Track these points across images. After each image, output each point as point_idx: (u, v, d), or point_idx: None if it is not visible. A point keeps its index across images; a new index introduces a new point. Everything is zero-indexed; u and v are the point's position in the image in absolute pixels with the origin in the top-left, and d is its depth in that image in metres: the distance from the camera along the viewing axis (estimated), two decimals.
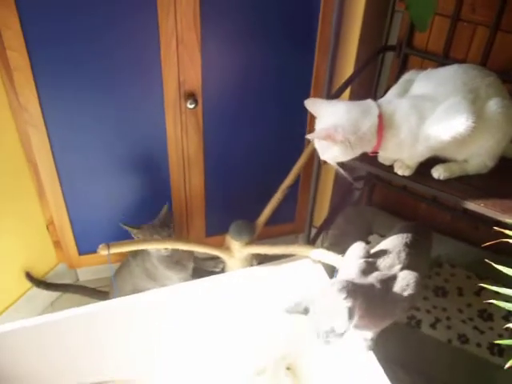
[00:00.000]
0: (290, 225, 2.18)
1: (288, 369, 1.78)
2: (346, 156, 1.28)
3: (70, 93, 1.63)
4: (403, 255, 1.38)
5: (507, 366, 0.92)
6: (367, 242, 1.96)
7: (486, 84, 1.31)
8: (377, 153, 1.34)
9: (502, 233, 1.02)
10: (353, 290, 1.18)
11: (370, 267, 1.31)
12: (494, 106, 1.30)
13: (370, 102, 1.29)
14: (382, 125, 1.26)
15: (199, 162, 1.88)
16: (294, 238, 2.28)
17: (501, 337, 1.69)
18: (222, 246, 1.77)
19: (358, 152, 1.29)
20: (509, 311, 1.75)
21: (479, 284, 1.80)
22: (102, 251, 1.49)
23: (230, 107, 1.80)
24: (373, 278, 1.27)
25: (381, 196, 2.07)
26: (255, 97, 1.80)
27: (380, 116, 1.26)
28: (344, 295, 1.15)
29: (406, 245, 1.43)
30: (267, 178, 1.83)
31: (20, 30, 1.46)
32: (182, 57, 1.62)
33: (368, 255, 1.35)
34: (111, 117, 1.72)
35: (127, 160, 1.84)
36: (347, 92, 1.84)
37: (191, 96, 1.69)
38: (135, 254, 1.91)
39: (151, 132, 1.78)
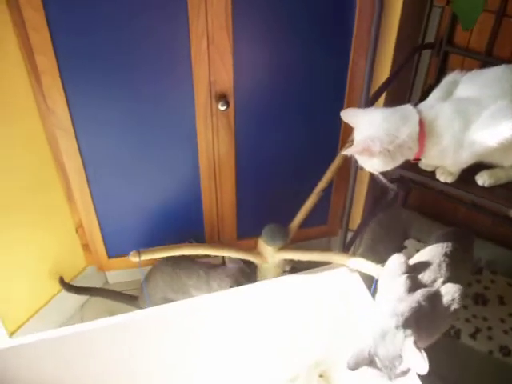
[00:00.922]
0: (322, 227, 2.12)
1: (321, 376, 1.74)
2: (387, 166, 1.23)
3: (98, 92, 1.59)
4: (444, 267, 1.32)
5: None
6: (403, 247, 1.90)
7: None
8: (419, 159, 1.27)
9: None
10: (407, 319, 1.15)
11: (414, 283, 1.24)
12: None
13: (408, 107, 1.23)
14: (424, 131, 1.20)
15: (231, 163, 1.83)
16: (327, 241, 2.23)
17: None
18: (253, 248, 1.73)
19: (399, 161, 1.23)
20: None
21: None
22: (133, 258, 1.47)
23: (262, 109, 1.74)
24: (419, 296, 1.21)
25: (417, 198, 1.99)
26: (288, 98, 1.74)
27: (421, 122, 1.20)
28: (402, 330, 1.14)
29: (446, 255, 1.37)
30: (300, 181, 1.78)
31: (48, 32, 1.43)
32: (212, 57, 1.56)
33: (409, 269, 1.29)
34: (140, 116, 1.67)
35: (156, 161, 1.80)
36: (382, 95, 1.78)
37: (222, 97, 1.64)
38: (172, 264, 1.87)
39: (181, 133, 1.74)
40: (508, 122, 1.15)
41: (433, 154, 1.24)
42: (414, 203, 2.01)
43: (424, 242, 1.83)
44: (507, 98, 1.18)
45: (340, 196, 2.03)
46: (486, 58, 1.59)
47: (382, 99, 1.78)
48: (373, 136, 1.19)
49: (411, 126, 1.19)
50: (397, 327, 1.13)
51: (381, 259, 1.57)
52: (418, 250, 1.50)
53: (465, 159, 1.23)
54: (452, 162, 1.25)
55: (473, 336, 1.66)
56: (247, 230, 2.02)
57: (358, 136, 1.23)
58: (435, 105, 1.24)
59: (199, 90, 1.63)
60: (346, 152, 1.21)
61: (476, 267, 1.84)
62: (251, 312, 1.56)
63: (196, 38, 1.52)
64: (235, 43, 1.56)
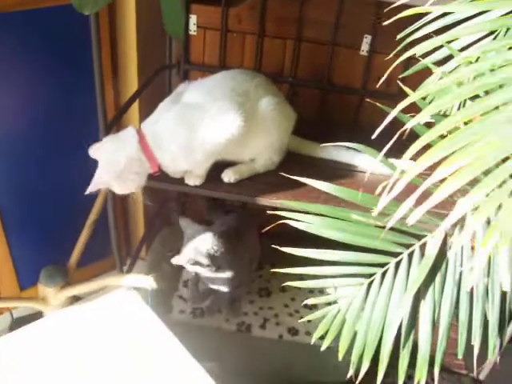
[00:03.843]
0: (109, 260, 2.08)
1: None
2: (129, 188, 1.30)
3: None
4: None
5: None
6: None
7: (254, 85, 1.38)
8: (159, 171, 1.33)
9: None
10: None
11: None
12: (265, 104, 1.37)
13: (130, 130, 1.31)
14: (148, 147, 1.28)
15: None
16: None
17: None
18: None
19: (139, 178, 1.30)
20: None
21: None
22: None
23: (17, 144, 1.68)
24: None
25: (194, 211, 2.07)
26: (47, 136, 1.72)
27: (143, 140, 1.28)
28: None
29: None
30: (75, 215, 1.73)
31: None
32: None
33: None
34: None
35: None
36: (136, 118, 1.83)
37: None
38: None
39: None
40: (229, 118, 1.27)
41: (167, 164, 1.32)
42: (192, 213, 2.07)
43: None
44: (226, 99, 1.30)
45: (120, 224, 2.03)
46: (221, 70, 1.72)
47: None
48: (101, 169, 1.27)
49: (129, 147, 1.27)
50: None
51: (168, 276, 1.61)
52: None
53: (201, 161, 1.32)
54: (190, 166, 1.34)
55: (262, 326, 1.76)
56: (31, 279, 1.91)
57: (98, 170, 1.28)
58: (160, 117, 1.32)
59: None
60: (88, 191, 1.26)
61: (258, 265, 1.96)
62: (37, 355, 1.46)
63: None
64: None
